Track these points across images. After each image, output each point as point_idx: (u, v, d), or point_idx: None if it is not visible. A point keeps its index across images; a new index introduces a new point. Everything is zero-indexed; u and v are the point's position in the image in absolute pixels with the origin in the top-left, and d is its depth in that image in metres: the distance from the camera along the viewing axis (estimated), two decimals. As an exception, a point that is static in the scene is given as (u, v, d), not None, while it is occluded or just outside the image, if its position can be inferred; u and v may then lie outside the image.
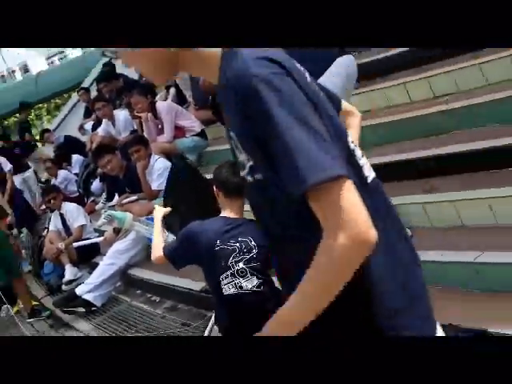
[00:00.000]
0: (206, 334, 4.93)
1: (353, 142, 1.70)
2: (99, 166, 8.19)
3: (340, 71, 4.28)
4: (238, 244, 4.19)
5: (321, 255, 1.40)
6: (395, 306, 1.58)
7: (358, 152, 1.71)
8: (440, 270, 3.92)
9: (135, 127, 8.88)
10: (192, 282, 5.64)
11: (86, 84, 14.42)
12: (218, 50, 1.66)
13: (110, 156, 7.52)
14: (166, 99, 9.35)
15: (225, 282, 4.20)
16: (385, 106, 5.59)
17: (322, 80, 4.15)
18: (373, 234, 1.36)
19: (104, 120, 9.42)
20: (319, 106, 1.52)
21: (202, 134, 7.86)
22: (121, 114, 9.17)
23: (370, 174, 1.70)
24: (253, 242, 4.18)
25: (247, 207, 4.38)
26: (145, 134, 7.91)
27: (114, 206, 7.72)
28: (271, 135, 1.40)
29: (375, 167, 4.55)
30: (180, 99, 9.34)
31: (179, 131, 7.86)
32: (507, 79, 4.66)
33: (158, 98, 9.47)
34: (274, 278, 4.03)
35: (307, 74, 1.69)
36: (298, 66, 1.66)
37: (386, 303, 1.58)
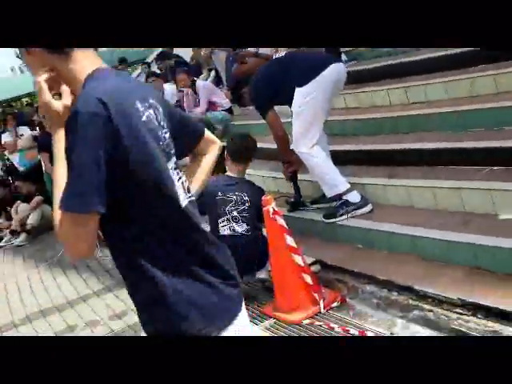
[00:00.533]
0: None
1: (176, 168, 1.62)
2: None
3: (332, 79, 4.32)
4: (234, 196, 4.31)
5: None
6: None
7: (176, 177, 1.60)
8: (386, 238, 4.02)
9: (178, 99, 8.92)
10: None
11: (148, 59, 14.42)
12: (84, 74, 1.52)
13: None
14: (206, 79, 9.39)
15: (222, 224, 4.33)
16: (370, 106, 5.62)
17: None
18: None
19: (156, 91, 9.48)
20: (128, 146, 1.43)
21: (229, 110, 7.91)
22: (168, 87, 9.21)
23: (183, 201, 1.60)
24: (246, 197, 4.30)
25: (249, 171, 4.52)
26: (184, 105, 8.00)
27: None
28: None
29: (353, 153, 4.57)
30: (217, 80, 9.39)
31: (211, 105, 7.93)
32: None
33: (201, 77, 9.52)
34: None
35: (149, 112, 1.54)
36: (139, 105, 1.51)
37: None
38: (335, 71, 4.32)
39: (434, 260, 3.68)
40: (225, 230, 4.29)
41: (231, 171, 4.42)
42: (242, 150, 4.41)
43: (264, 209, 3.97)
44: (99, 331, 4.62)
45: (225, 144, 6.23)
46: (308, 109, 4.29)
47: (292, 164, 4.76)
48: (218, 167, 4.40)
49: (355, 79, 6.04)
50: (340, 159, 5.08)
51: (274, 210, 3.95)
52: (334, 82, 4.33)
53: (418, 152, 4.46)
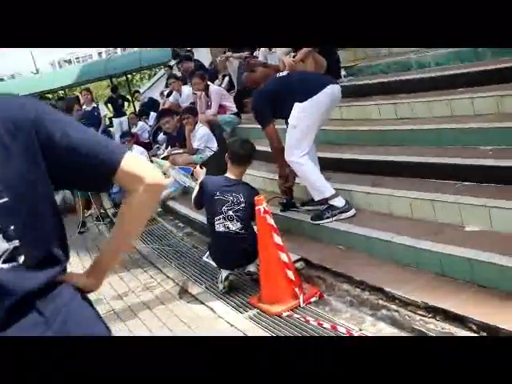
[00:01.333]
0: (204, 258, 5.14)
1: None
2: (160, 124, 8.35)
3: (326, 101, 4.38)
4: (231, 197, 4.36)
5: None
6: None
7: None
8: (365, 241, 4.06)
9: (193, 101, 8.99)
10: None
11: (171, 63, 14.49)
12: None
13: (168, 118, 7.69)
14: (220, 84, 9.44)
15: (217, 221, 4.38)
16: (363, 118, 5.65)
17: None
18: None
19: (174, 91, 9.55)
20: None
21: (237, 114, 7.94)
22: (186, 89, 9.29)
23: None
24: (242, 199, 4.35)
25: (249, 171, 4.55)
26: (197, 107, 8.06)
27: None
28: None
29: (344, 161, 4.54)
30: (230, 86, 9.44)
31: (222, 109, 7.98)
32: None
33: (216, 82, 9.57)
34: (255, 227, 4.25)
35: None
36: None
37: None
38: (331, 92, 4.39)
39: (406, 265, 3.71)
40: (220, 227, 4.35)
41: (230, 173, 4.48)
42: (241, 154, 4.46)
43: (256, 208, 4.03)
44: (100, 309, 4.69)
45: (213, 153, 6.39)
46: (303, 123, 4.35)
47: (288, 179, 4.80)
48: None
49: (352, 93, 6.09)
50: (332, 166, 5.14)
51: (264, 209, 4.01)
52: (330, 101, 4.42)
53: (400, 164, 4.49)
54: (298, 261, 4.33)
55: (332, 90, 4.40)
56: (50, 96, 18.19)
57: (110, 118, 13.10)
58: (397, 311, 3.40)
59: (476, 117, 4.37)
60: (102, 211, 8.13)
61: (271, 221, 3.99)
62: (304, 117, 4.33)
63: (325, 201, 4.49)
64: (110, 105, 14.54)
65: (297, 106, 4.35)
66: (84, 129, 1.40)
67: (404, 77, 5.57)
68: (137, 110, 13.81)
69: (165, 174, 6.31)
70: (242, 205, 4.33)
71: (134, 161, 1.39)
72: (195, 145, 7.05)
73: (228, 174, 4.48)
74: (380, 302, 3.55)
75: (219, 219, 4.36)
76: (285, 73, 4.75)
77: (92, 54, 76.28)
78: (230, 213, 4.34)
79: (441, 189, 3.98)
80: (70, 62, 72.71)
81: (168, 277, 5.23)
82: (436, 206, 3.86)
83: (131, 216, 1.47)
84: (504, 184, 3.67)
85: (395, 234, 3.87)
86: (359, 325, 3.49)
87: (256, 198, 4.07)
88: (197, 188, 4.57)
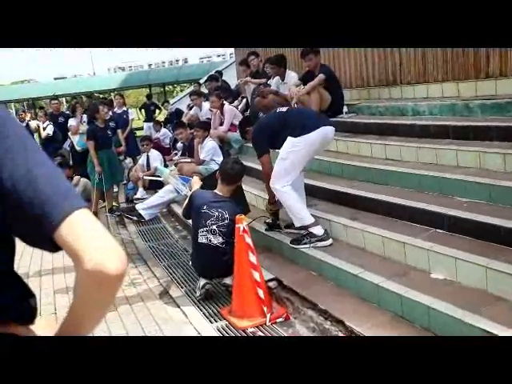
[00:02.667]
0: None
1: None
2: (175, 135, 8.12)
3: (318, 140, 4.11)
4: (217, 213, 4.06)
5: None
6: None
7: None
8: (336, 271, 3.72)
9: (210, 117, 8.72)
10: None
11: (201, 80, 14.29)
12: None
13: (182, 129, 7.45)
14: (239, 104, 9.15)
15: (201, 233, 4.09)
16: (355, 154, 5.34)
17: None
18: None
19: (195, 106, 9.29)
20: None
21: (246, 134, 7.68)
22: (206, 105, 9.00)
23: None
24: (226, 215, 4.05)
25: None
26: (212, 122, 7.78)
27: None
28: None
29: (329, 192, 4.22)
30: (247, 107, 9.15)
31: (233, 127, 7.69)
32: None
33: (236, 102, 9.29)
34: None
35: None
36: None
37: None
38: (323, 133, 4.12)
39: (369, 301, 3.38)
40: (202, 239, 4.06)
41: (219, 190, 4.18)
42: (230, 174, 4.16)
43: (236, 226, 3.74)
44: None
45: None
46: (292, 157, 4.08)
47: (276, 204, 4.50)
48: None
49: (350, 129, 5.80)
50: (318, 194, 4.86)
51: (244, 228, 3.72)
52: (320, 142, 4.16)
53: (379, 202, 4.16)
54: (271, 280, 4.03)
55: (325, 131, 4.12)
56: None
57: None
58: (353, 346, 3.06)
59: (458, 168, 4.04)
60: (114, 204, 7.84)
61: (249, 240, 3.70)
62: (294, 151, 4.06)
63: (304, 228, 4.17)
64: (143, 110, 14.38)
65: (289, 139, 4.08)
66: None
67: (398, 121, 5.25)
68: (156, 119, 13.64)
69: (165, 181, 6.06)
70: (226, 221, 4.03)
71: (78, 226, 0.85)
72: (202, 156, 6.76)
73: (217, 191, 4.19)
74: (340, 334, 3.21)
75: (203, 231, 4.06)
76: (284, 108, 4.47)
77: (143, 65, 77.22)
78: (214, 227, 4.04)
79: (414, 232, 3.65)
80: (123, 69, 73.41)
81: (155, 275, 4.93)
82: (407, 248, 3.53)
83: (76, 303, 0.95)
84: (474, 237, 3.34)
85: (363, 270, 3.55)
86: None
87: (237, 216, 3.76)
88: (187, 200, 4.29)
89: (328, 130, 4.14)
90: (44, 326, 1.05)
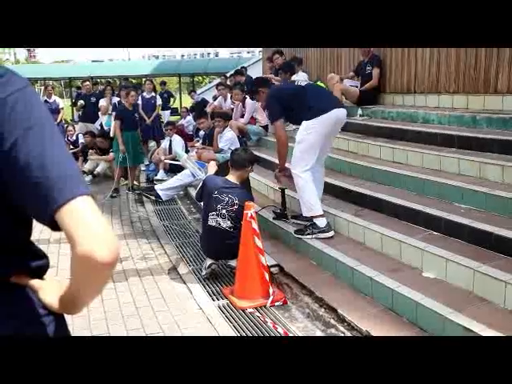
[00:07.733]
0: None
1: None
2: (197, 124, 8.18)
3: (331, 122, 4.09)
4: (227, 198, 4.12)
5: None
6: None
7: None
8: (333, 263, 3.76)
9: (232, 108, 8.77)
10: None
11: (228, 73, 14.30)
12: None
13: (204, 119, 7.49)
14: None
15: (211, 216, 4.15)
16: (365, 154, 5.36)
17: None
18: None
19: (220, 97, 9.34)
20: None
21: (265, 127, 7.70)
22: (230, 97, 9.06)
23: None
24: (236, 201, 4.11)
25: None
26: (233, 114, 7.83)
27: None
28: None
29: (337, 188, 4.25)
30: (267, 103, 9.19)
31: (253, 120, 7.75)
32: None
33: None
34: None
35: None
36: None
37: None
38: (336, 115, 4.10)
39: (362, 293, 3.42)
40: (212, 222, 4.13)
41: (230, 176, 4.25)
42: (239, 160, 4.22)
43: (244, 211, 3.80)
44: (126, 266, 4.64)
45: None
46: (307, 140, 4.07)
47: (286, 171, 4.45)
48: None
49: (362, 131, 5.80)
50: (326, 190, 4.86)
51: (251, 215, 3.77)
52: (333, 124, 4.12)
53: (382, 201, 4.19)
54: (274, 266, 4.07)
55: (338, 113, 4.11)
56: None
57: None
58: (343, 333, 3.12)
59: (458, 176, 4.04)
60: (135, 184, 7.95)
61: (255, 225, 3.76)
62: (308, 134, 4.05)
63: (310, 219, 4.21)
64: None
65: (304, 123, 4.08)
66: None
67: (407, 127, 5.25)
68: (183, 106, 13.59)
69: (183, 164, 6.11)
70: (236, 206, 4.09)
71: (77, 211, 0.88)
72: (220, 145, 6.82)
73: (228, 177, 4.25)
74: (331, 321, 3.27)
75: (213, 215, 4.13)
76: (304, 83, 4.43)
77: (175, 55, 77.19)
78: (224, 211, 4.10)
79: (411, 232, 3.68)
80: (157, 57, 73.45)
81: (165, 252, 5.02)
82: (403, 246, 3.56)
83: (71, 279, 0.98)
84: (466, 241, 3.36)
85: (359, 263, 3.59)
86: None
87: (246, 203, 3.82)
88: (200, 184, 4.36)
89: (340, 112, 4.14)
90: (48, 287, 1.09)
